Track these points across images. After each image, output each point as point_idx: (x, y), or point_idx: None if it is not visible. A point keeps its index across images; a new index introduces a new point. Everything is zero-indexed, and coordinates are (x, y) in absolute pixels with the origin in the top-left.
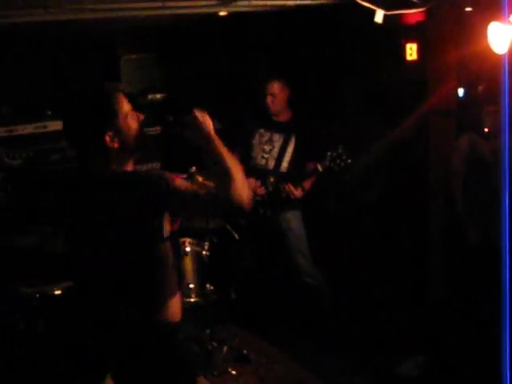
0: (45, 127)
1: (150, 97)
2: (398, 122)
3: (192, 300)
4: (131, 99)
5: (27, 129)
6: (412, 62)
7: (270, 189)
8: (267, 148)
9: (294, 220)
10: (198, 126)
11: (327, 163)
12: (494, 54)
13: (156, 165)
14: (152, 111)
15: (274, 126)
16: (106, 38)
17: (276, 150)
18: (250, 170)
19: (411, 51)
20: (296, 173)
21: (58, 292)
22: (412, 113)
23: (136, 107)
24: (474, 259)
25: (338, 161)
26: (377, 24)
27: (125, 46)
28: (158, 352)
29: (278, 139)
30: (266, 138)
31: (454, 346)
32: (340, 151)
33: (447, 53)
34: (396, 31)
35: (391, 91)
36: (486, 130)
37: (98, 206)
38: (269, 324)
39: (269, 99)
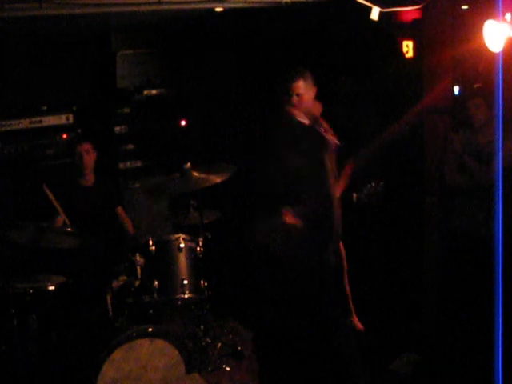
0: (40, 122)
1: (145, 92)
2: (394, 119)
3: (186, 296)
4: (126, 95)
5: (22, 123)
6: (408, 59)
7: None
8: None
9: None
10: None
11: (363, 198)
12: (490, 52)
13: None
14: (148, 107)
15: None
16: (102, 34)
17: None
18: None
19: (407, 49)
20: None
21: (51, 288)
22: (408, 110)
23: (131, 103)
24: (470, 256)
25: (374, 198)
26: (373, 21)
27: (120, 42)
28: None
29: None
30: None
31: (448, 343)
32: (379, 188)
33: (443, 50)
34: (392, 29)
35: (389, 89)
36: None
37: None
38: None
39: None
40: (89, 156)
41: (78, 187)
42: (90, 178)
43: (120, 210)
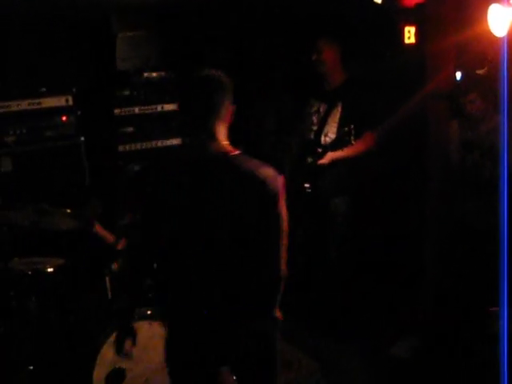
0: (39, 104)
1: (145, 75)
2: (397, 106)
3: None
4: (126, 77)
5: (21, 105)
6: (410, 45)
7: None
8: (315, 119)
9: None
10: None
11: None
12: (494, 37)
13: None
14: (148, 89)
15: (321, 95)
16: (102, 15)
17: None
18: (305, 144)
19: (409, 34)
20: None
21: (50, 269)
22: (411, 97)
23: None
24: (471, 243)
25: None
26: (376, 5)
27: (121, 24)
28: None
29: (323, 109)
30: (314, 109)
31: (448, 329)
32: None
33: (446, 36)
34: (395, 14)
35: (390, 75)
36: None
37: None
38: None
39: (314, 56)
40: None
41: None
42: None
43: None
